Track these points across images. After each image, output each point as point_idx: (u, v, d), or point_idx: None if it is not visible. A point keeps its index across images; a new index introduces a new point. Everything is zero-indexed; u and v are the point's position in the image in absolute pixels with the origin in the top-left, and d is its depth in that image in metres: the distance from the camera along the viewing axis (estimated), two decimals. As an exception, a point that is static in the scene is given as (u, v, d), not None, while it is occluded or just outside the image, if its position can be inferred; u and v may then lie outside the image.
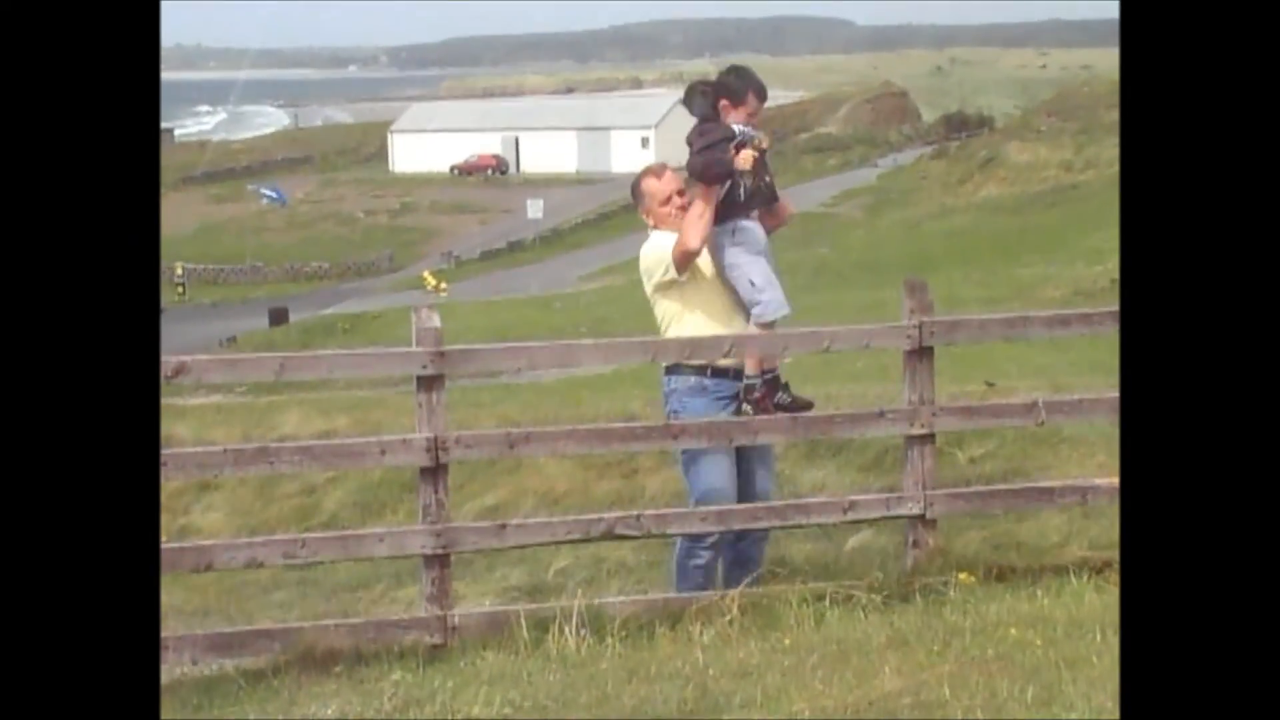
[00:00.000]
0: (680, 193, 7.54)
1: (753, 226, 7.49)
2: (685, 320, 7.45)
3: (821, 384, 15.21)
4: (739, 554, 7.55)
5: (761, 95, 7.62)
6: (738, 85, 7.57)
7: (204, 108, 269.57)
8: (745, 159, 7.32)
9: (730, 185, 7.35)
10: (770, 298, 7.36)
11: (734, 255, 7.41)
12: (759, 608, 6.82)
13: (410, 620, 7.06)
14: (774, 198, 7.62)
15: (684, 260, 7.32)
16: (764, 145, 7.48)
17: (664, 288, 7.46)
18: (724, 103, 7.51)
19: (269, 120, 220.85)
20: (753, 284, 7.37)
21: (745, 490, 7.54)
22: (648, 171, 7.83)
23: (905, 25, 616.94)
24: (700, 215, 7.26)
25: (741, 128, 7.42)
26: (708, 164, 7.31)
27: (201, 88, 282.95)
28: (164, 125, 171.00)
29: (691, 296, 7.45)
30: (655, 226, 7.58)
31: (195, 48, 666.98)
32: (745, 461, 7.55)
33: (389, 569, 10.29)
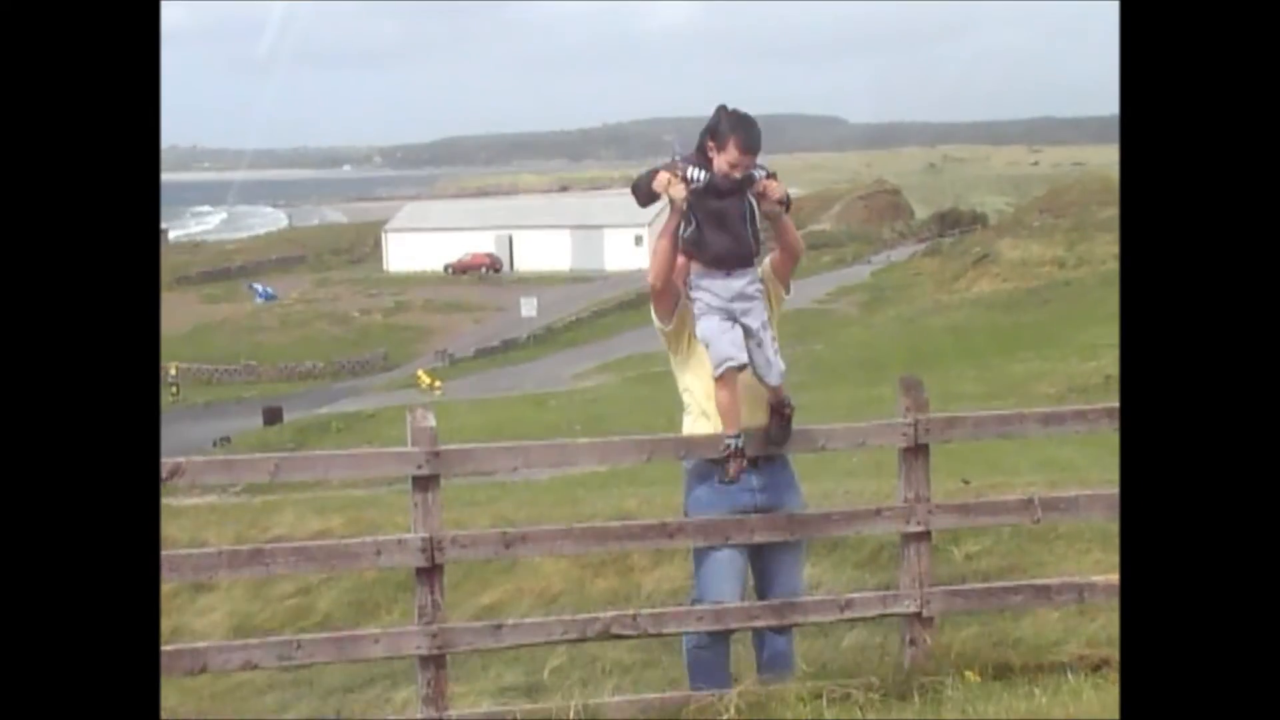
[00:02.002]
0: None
1: (708, 280, 6.96)
2: (691, 408, 7.38)
3: (816, 481, 15.20)
4: (775, 651, 7.46)
5: (745, 146, 6.87)
6: (721, 128, 6.92)
7: (205, 208, 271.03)
8: (662, 182, 6.79)
9: (683, 223, 6.92)
10: (714, 352, 6.89)
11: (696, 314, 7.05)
12: (756, 707, 6.77)
13: (406, 722, 7.02)
14: (752, 245, 7.03)
15: (653, 299, 7.28)
16: (734, 175, 6.87)
17: (672, 350, 7.40)
18: (709, 143, 6.93)
19: (266, 220, 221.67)
20: (705, 345, 6.99)
21: (766, 585, 7.47)
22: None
23: (897, 123, 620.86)
24: (654, 250, 7.06)
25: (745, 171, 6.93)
26: (634, 184, 7.05)
27: (198, 189, 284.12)
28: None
29: (696, 369, 7.35)
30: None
31: (190, 149, 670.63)
32: (763, 558, 7.44)
33: (384, 669, 10.24)
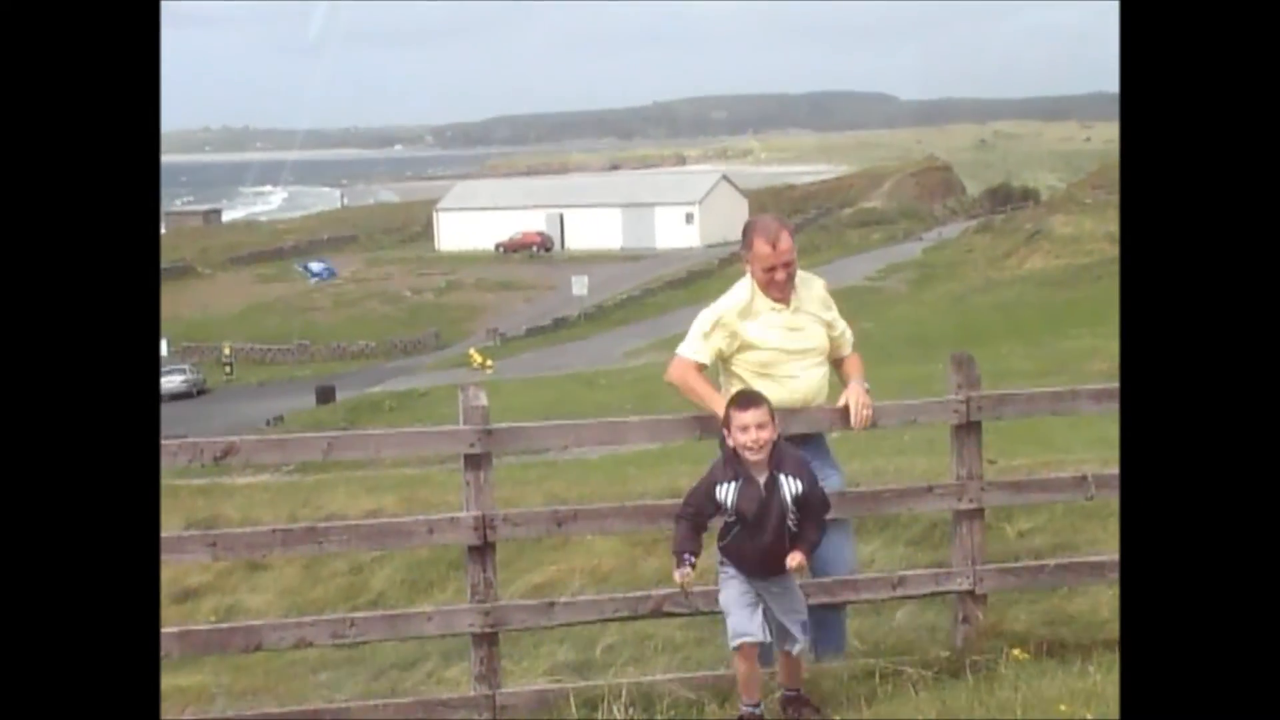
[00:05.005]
0: (786, 265, 7.32)
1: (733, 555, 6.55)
2: (734, 384, 7.40)
3: (867, 458, 15.19)
4: (827, 629, 7.46)
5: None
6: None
7: (266, 187, 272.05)
8: (679, 577, 6.36)
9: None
10: (731, 624, 6.52)
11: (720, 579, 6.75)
12: (808, 684, 6.77)
13: (458, 699, 7.04)
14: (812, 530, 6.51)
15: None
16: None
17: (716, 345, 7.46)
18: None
19: (322, 199, 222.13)
20: (724, 613, 6.62)
21: (818, 563, 7.45)
22: (764, 227, 7.47)
23: (948, 99, 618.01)
24: (700, 397, 7.26)
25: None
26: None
27: (251, 169, 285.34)
28: (211, 206, 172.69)
29: (740, 363, 7.41)
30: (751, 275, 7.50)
31: (243, 130, 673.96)
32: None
33: (436, 647, 10.28)
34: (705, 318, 7.46)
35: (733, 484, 6.37)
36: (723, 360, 7.46)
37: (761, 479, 6.35)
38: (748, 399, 6.48)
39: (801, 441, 7.19)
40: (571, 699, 6.84)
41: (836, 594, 7.38)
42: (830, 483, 7.33)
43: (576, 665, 9.12)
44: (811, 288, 7.57)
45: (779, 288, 7.34)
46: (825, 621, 7.50)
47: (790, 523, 6.35)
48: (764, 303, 7.37)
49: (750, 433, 6.33)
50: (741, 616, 6.44)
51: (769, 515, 6.32)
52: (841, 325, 7.65)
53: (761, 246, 7.32)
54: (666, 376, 7.48)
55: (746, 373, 7.37)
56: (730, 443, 6.42)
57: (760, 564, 6.41)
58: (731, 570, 6.49)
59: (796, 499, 6.35)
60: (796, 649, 6.55)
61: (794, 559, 6.33)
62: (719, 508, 6.38)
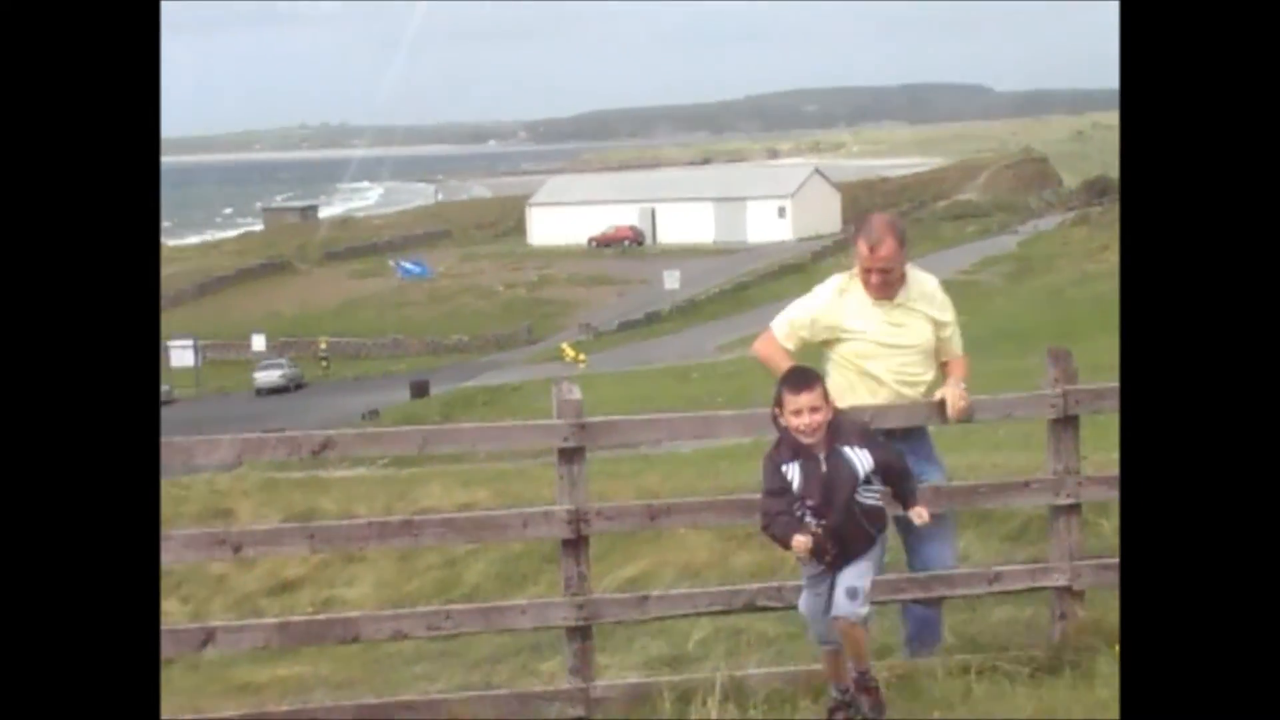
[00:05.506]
0: (882, 270, 7.29)
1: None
2: (834, 375, 7.41)
3: (963, 453, 15.07)
4: (923, 624, 7.44)
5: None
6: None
7: (364, 183, 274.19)
8: (800, 545, 6.05)
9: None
10: (813, 632, 6.50)
11: None
12: (904, 680, 6.74)
13: (553, 692, 7.07)
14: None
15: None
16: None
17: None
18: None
19: (418, 195, 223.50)
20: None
21: (915, 558, 7.47)
22: (869, 229, 7.41)
23: (1044, 90, 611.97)
24: (776, 364, 7.24)
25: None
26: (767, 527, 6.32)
27: (345, 166, 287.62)
28: (308, 203, 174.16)
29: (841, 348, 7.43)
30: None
31: (339, 126, 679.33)
32: (912, 531, 7.40)
33: (528, 641, 10.32)
34: (799, 303, 7.49)
35: (794, 463, 6.16)
36: (826, 347, 7.46)
37: (822, 455, 6.13)
38: (800, 380, 6.24)
39: (904, 435, 7.17)
40: (665, 693, 6.84)
41: (933, 589, 7.34)
42: (930, 477, 7.30)
43: (669, 659, 9.12)
44: (923, 285, 7.54)
45: (875, 289, 7.32)
46: (921, 617, 7.47)
47: (864, 499, 6.12)
48: (866, 295, 7.35)
49: (803, 416, 6.11)
50: (822, 626, 6.36)
51: (835, 492, 6.08)
52: (952, 327, 7.58)
53: (861, 247, 7.34)
54: (752, 348, 7.48)
55: (845, 363, 7.38)
56: (783, 423, 6.22)
57: (834, 545, 6.11)
58: (810, 571, 6.29)
59: (872, 471, 6.13)
60: (841, 616, 6.16)
61: (919, 514, 6.22)
62: (785, 487, 6.17)
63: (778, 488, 6.18)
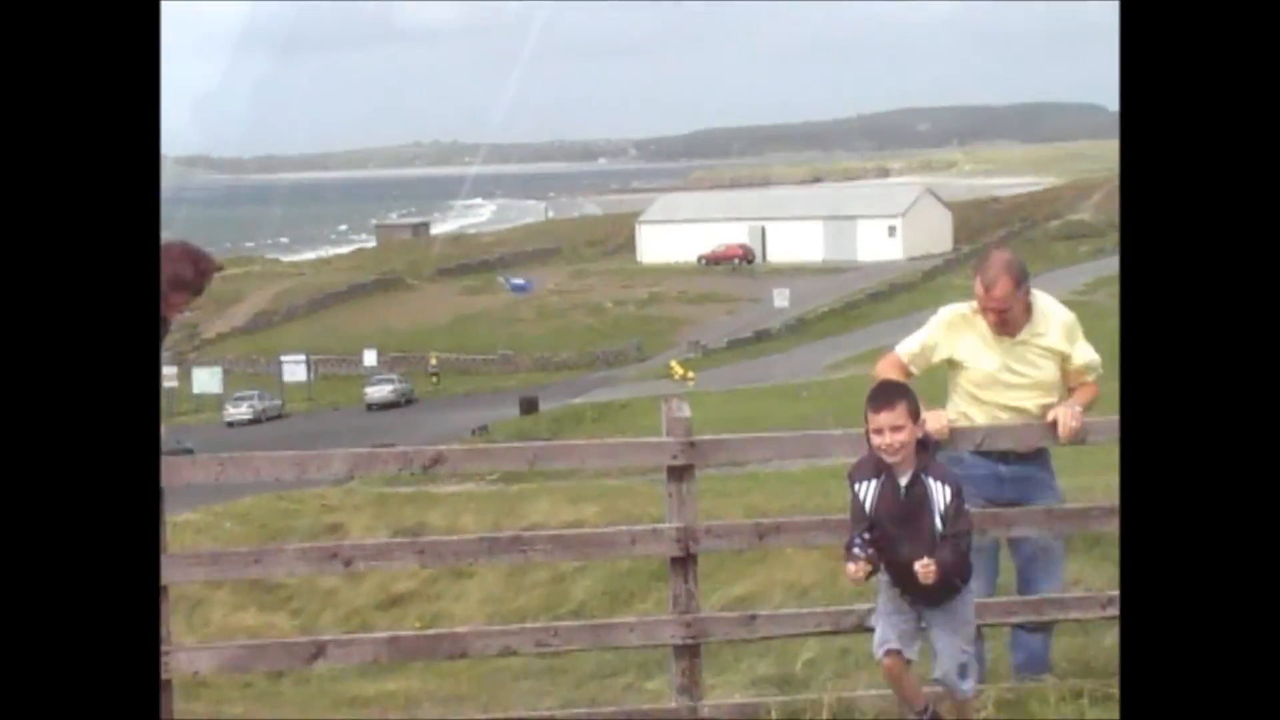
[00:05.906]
0: (998, 310, 7.14)
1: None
2: (954, 399, 7.38)
3: (1074, 475, 14.88)
4: (1030, 651, 7.37)
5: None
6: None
7: (477, 200, 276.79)
8: (849, 573, 5.95)
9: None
10: (877, 633, 6.28)
11: None
12: (1014, 705, 6.67)
13: (661, 711, 7.06)
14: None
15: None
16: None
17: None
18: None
19: (529, 212, 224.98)
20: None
21: (1025, 582, 7.44)
22: (986, 268, 7.22)
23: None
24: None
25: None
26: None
27: (463, 182, 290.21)
28: (420, 219, 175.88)
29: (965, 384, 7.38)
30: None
31: (451, 144, 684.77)
32: (1021, 554, 7.40)
33: (635, 658, 10.32)
34: (921, 330, 7.43)
35: (871, 482, 6.01)
36: (951, 371, 7.43)
37: (904, 480, 5.96)
38: (884, 397, 6.02)
39: (1023, 456, 7.12)
40: (773, 713, 6.81)
41: (1044, 612, 7.26)
42: (1046, 499, 7.23)
43: (776, 680, 9.08)
44: (1050, 319, 7.38)
45: (993, 326, 7.24)
46: (1030, 641, 7.39)
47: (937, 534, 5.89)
48: (988, 329, 7.28)
49: (885, 435, 5.92)
50: (882, 625, 6.21)
51: (912, 522, 5.89)
52: (1086, 358, 7.42)
53: (978, 286, 7.19)
54: (874, 369, 7.41)
55: (962, 392, 7.33)
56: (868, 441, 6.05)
57: (908, 579, 5.88)
58: (886, 579, 6.13)
59: (943, 513, 5.90)
60: (956, 691, 6.13)
61: (923, 567, 5.77)
62: (858, 506, 6.02)
63: (852, 507, 6.10)
